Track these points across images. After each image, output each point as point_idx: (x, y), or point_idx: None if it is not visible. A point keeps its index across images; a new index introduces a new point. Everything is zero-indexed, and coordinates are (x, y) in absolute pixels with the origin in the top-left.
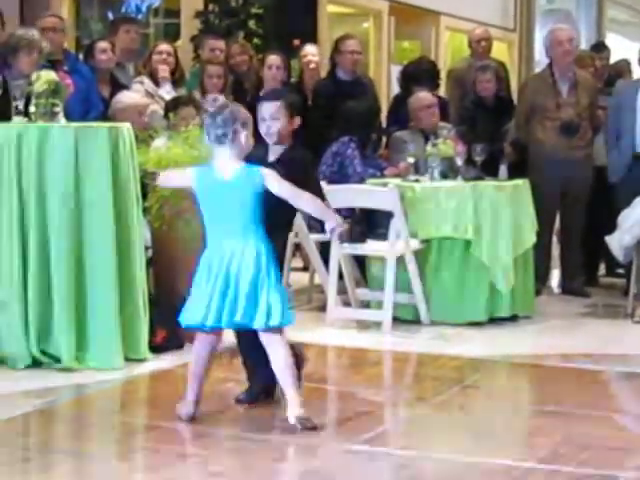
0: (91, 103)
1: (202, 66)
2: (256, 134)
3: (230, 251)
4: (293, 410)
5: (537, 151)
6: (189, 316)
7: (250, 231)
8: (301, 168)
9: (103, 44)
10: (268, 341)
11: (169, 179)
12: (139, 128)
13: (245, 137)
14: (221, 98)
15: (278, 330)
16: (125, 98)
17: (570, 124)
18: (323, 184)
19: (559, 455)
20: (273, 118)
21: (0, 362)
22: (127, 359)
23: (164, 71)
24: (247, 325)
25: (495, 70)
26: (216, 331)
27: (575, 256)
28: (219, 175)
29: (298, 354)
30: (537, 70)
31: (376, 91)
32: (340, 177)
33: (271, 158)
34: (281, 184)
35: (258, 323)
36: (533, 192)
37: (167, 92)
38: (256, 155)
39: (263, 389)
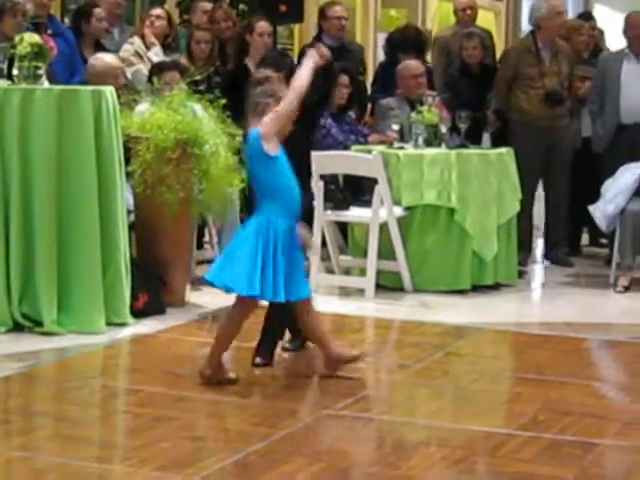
0: (75, 67)
1: (190, 31)
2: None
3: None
4: None
5: (521, 120)
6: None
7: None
8: None
9: (98, 11)
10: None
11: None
12: (121, 90)
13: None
14: (267, 71)
15: None
16: (98, 62)
17: (554, 93)
18: None
19: (539, 422)
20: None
21: None
22: (109, 323)
23: (149, 36)
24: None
25: (481, 38)
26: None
27: (559, 225)
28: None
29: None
30: None
31: (364, 58)
32: (317, 147)
33: None
34: (275, 112)
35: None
36: (516, 161)
37: (155, 54)
38: None
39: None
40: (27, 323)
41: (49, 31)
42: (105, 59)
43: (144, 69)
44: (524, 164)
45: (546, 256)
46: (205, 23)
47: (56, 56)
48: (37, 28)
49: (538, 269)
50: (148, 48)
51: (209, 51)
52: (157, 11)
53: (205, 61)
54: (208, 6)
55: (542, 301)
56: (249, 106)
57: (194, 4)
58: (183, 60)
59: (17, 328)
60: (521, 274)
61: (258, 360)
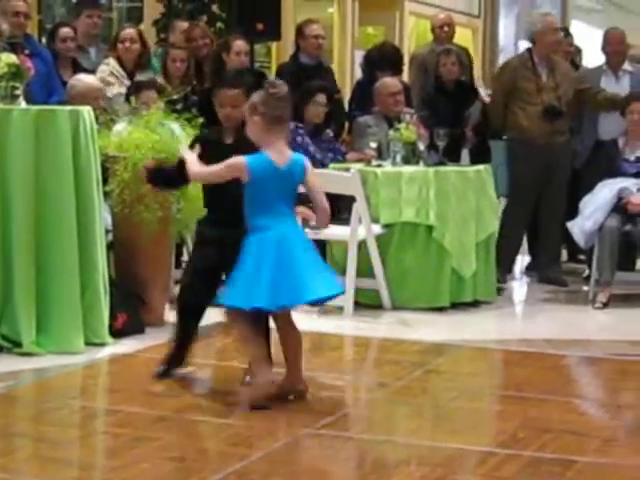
0: (52, 87)
1: (166, 49)
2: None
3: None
4: None
5: (519, 138)
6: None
7: (293, 212)
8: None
9: (64, 31)
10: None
11: (206, 176)
12: (99, 111)
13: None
14: (280, 82)
15: None
16: (79, 83)
17: (552, 107)
18: None
19: (519, 439)
20: (234, 105)
21: None
22: (87, 343)
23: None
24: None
25: (458, 54)
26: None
27: (555, 243)
28: (275, 163)
29: None
30: (502, 57)
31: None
32: None
33: (228, 140)
34: (316, 178)
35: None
36: (516, 180)
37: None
38: (212, 137)
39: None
40: (6, 344)
41: (26, 51)
42: (86, 80)
43: (123, 92)
44: (522, 182)
45: (539, 275)
46: (182, 42)
47: (33, 76)
48: (14, 48)
49: (517, 286)
50: (124, 67)
51: (185, 70)
52: (130, 32)
53: (181, 80)
54: (186, 25)
55: (521, 318)
56: (277, 119)
57: (172, 23)
58: (159, 79)
59: None
60: (499, 291)
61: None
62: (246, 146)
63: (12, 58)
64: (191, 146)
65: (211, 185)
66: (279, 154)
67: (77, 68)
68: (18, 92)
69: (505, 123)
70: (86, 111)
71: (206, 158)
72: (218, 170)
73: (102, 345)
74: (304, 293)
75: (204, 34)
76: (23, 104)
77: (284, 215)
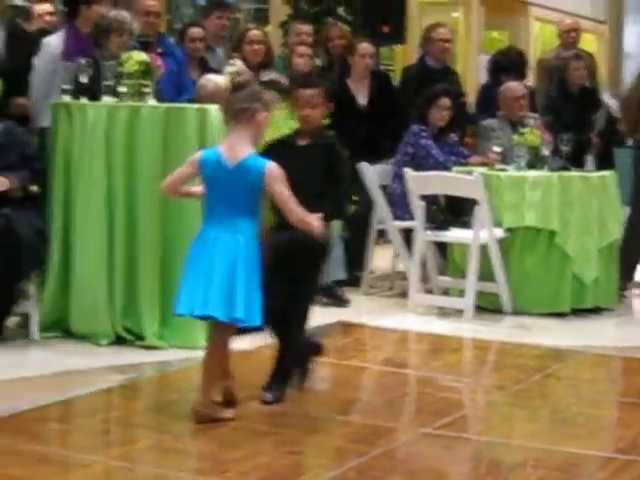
0: (183, 86)
1: (290, 49)
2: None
3: (217, 237)
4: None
5: None
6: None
7: (243, 221)
8: (336, 157)
9: (194, 31)
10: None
11: (171, 183)
12: None
13: (264, 120)
14: (247, 72)
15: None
16: (209, 83)
17: None
18: (407, 170)
19: (638, 446)
20: (313, 106)
21: (85, 338)
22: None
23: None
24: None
25: (586, 60)
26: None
27: None
28: (224, 160)
29: (317, 344)
30: (627, 63)
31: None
32: (415, 167)
33: (301, 142)
34: (279, 187)
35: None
36: None
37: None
38: (284, 140)
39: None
40: (129, 336)
41: (158, 50)
42: (215, 80)
43: None
44: None
45: None
46: (298, 43)
47: (164, 74)
48: (145, 47)
49: (638, 293)
50: (250, 67)
51: (311, 68)
52: (256, 34)
53: None
54: (304, 28)
55: None
56: (231, 112)
57: (291, 25)
58: (283, 79)
59: (119, 341)
60: (621, 298)
61: (268, 397)
62: (319, 150)
63: (142, 56)
64: (264, 151)
65: None
66: (230, 150)
67: (205, 68)
68: (148, 90)
69: (636, 129)
70: (214, 109)
71: (278, 163)
72: (180, 168)
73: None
74: (197, 306)
75: (342, 34)
76: (152, 102)
77: (223, 218)
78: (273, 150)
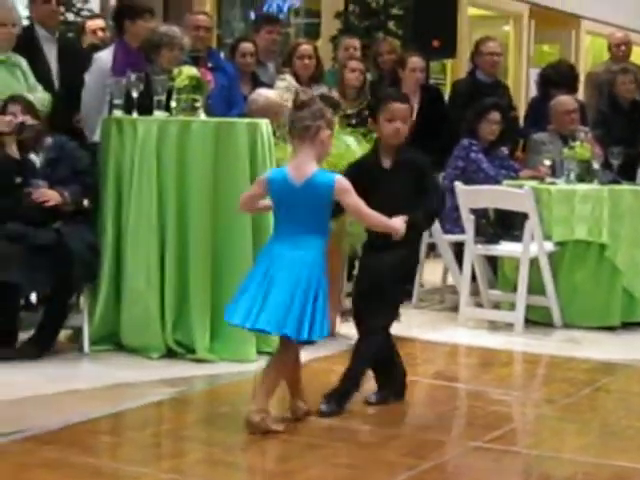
0: (234, 101)
1: (342, 64)
2: None
3: (282, 254)
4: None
5: None
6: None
7: (310, 238)
8: (422, 170)
9: (245, 46)
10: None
11: (244, 203)
12: (277, 125)
13: (327, 138)
14: (310, 91)
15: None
16: (260, 98)
17: None
18: (457, 184)
19: None
20: (404, 120)
21: (136, 351)
22: (260, 352)
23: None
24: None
25: (635, 73)
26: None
27: None
28: (291, 179)
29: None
30: None
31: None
32: (465, 181)
33: (386, 164)
34: (351, 198)
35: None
36: None
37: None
38: (367, 161)
39: (393, 391)
40: (180, 350)
41: (209, 64)
42: (267, 95)
43: None
44: None
45: None
46: (348, 58)
47: (215, 89)
48: (196, 61)
49: None
50: (300, 82)
51: (362, 82)
52: (307, 48)
53: (357, 93)
54: (352, 43)
55: None
56: (295, 130)
57: (341, 40)
58: (334, 94)
59: (170, 354)
60: None
61: (324, 408)
62: (405, 171)
63: (193, 71)
64: (346, 173)
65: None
66: (296, 169)
67: (256, 82)
68: (198, 104)
69: None
70: (264, 124)
71: (362, 186)
72: (249, 190)
73: (273, 354)
74: (251, 319)
75: (391, 49)
76: (203, 116)
77: (290, 235)
78: (359, 173)
